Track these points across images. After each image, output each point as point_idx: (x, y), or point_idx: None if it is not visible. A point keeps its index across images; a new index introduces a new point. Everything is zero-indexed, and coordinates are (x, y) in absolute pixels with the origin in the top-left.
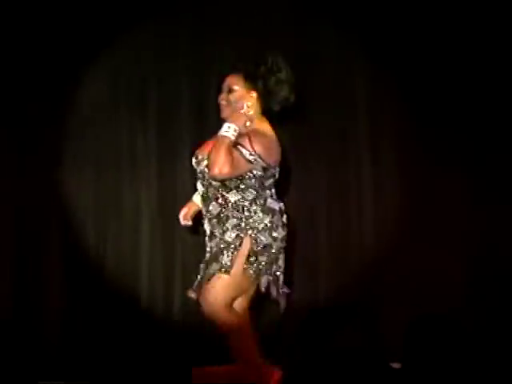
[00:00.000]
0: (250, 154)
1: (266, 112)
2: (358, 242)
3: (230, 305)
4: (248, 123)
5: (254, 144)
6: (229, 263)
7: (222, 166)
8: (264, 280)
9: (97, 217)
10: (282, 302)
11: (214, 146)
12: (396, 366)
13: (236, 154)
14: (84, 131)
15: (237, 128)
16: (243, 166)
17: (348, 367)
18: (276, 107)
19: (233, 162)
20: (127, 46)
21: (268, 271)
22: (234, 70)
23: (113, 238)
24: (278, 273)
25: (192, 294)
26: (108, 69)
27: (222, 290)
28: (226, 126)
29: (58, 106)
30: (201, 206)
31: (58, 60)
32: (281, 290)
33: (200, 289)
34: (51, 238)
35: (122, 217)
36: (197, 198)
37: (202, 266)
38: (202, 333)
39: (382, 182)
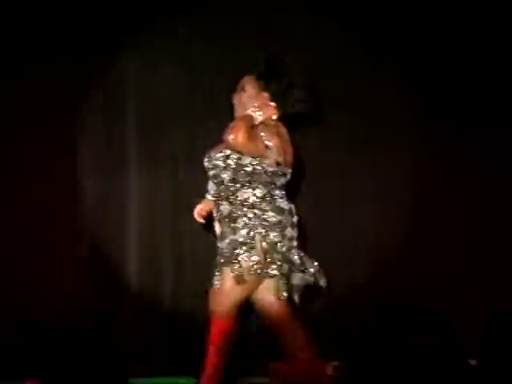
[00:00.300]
0: (267, 141)
1: (285, 115)
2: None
3: (237, 305)
4: (274, 117)
5: (268, 137)
6: (242, 263)
7: (238, 133)
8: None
9: (174, 212)
10: (297, 298)
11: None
12: (473, 362)
13: (256, 133)
14: (161, 129)
15: (262, 115)
16: (261, 147)
17: (427, 364)
18: (290, 110)
19: (251, 136)
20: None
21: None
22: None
23: (189, 235)
24: (293, 278)
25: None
26: (182, 68)
27: (232, 289)
28: (253, 108)
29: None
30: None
31: (135, 62)
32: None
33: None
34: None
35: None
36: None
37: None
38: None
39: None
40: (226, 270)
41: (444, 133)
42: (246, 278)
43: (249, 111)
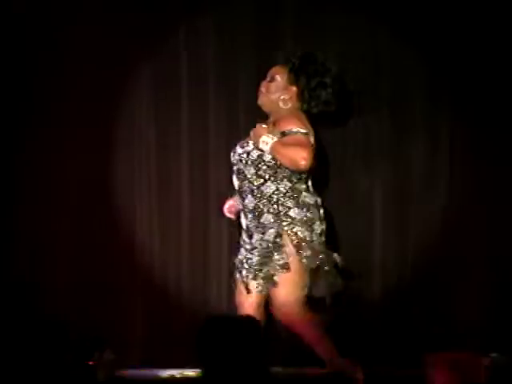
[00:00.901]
0: (298, 127)
1: (307, 112)
2: None
3: (302, 303)
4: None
5: (292, 122)
6: (282, 262)
7: (299, 156)
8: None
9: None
10: (328, 299)
11: (277, 154)
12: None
13: (292, 137)
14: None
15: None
16: (306, 137)
17: None
18: (314, 109)
19: (298, 145)
20: None
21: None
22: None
23: (345, 224)
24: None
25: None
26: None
27: (292, 288)
28: (262, 145)
29: None
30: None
31: None
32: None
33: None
34: None
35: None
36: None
37: (239, 260)
38: None
39: None
40: (272, 271)
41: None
42: (294, 273)
43: (267, 147)
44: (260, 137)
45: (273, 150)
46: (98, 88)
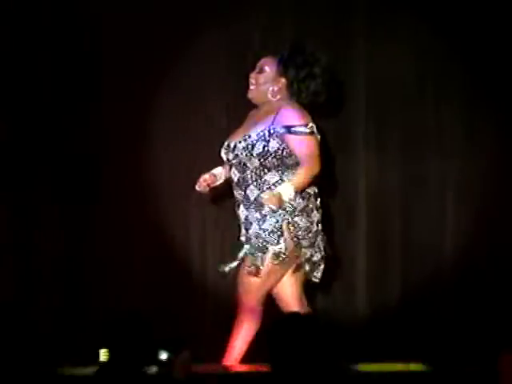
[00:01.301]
0: (301, 121)
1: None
2: None
3: (266, 294)
4: None
5: (294, 116)
6: (278, 250)
7: (308, 174)
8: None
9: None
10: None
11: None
12: None
13: (298, 148)
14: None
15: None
16: (310, 140)
17: None
18: (304, 100)
19: (304, 162)
20: None
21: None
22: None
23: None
24: (315, 258)
25: (225, 269)
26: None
27: (267, 276)
28: (289, 197)
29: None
30: (219, 180)
31: None
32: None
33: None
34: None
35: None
36: (217, 171)
37: (241, 251)
38: None
39: None
40: (256, 258)
41: None
42: (276, 266)
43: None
44: (280, 197)
45: (297, 188)
46: (171, 80)
